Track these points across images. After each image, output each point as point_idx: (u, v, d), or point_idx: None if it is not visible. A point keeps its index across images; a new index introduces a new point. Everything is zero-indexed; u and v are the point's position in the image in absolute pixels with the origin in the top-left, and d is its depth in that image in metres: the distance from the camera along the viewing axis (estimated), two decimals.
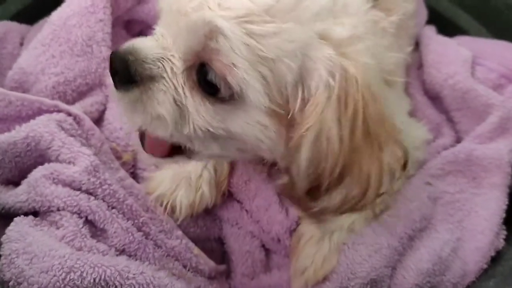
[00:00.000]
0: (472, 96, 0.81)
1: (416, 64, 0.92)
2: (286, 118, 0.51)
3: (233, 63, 0.47)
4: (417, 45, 0.93)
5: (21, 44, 0.88)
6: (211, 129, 0.51)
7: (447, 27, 0.99)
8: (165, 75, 0.51)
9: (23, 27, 0.91)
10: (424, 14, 0.98)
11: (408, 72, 0.87)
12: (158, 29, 0.53)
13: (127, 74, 0.51)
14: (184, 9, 0.49)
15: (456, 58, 0.85)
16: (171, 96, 0.51)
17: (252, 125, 0.51)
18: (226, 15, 0.47)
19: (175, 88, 0.51)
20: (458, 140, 0.82)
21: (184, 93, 0.51)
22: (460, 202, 0.73)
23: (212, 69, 0.49)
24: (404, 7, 0.79)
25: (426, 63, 0.88)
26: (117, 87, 0.53)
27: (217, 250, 0.72)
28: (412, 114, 0.82)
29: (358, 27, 0.55)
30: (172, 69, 0.51)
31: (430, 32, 0.95)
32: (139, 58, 0.51)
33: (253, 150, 0.55)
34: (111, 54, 0.53)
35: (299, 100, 0.50)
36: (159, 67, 0.51)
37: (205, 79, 0.49)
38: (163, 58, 0.51)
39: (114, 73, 0.52)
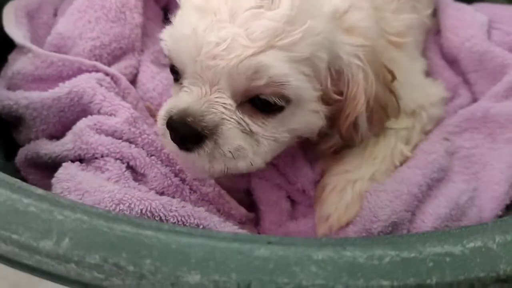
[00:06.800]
0: (489, 57, 0.84)
1: (434, 30, 0.95)
2: (323, 96, 0.60)
3: (284, 81, 0.53)
4: (435, 12, 0.96)
5: (55, 15, 0.93)
6: (279, 138, 0.58)
7: None
8: (224, 116, 0.55)
9: None
10: None
11: (426, 37, 0.91)
12: (187, 81, 0.57)
13: (196, 134, 0.54)
14: (212, 54, 0.53)
15: (473, 22, 0.88)
16: (239, 129, 0.56)
17: (307, 115, 0.59)
18: (262, 45, 0.52)
19: (238, 123, 0.56)
20: (475, 101, 0.85)
21: (247, 123, 0.56)
22: (476, 156, 0.76)
23: (264, 95, 0.55)
24: None
25: (443, 28, 0.91)
26: (189, 149, 0.56)
27: (246, 201, 0.75)
28: (429, 75, 0.86)
29: None
30: (226, 109, 0.55)
31: None
32: (196, 116, 0.54)
33: (304, 134, 0.64)
34: (168, 124, 0.56)
35: (329, 80, 0.59)
36: (216, 113, 0.54)
37: (260, 102, 0.55)
38: (213, 104, 0.55)
39: (182, 139, 0.56)
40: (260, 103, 0.56)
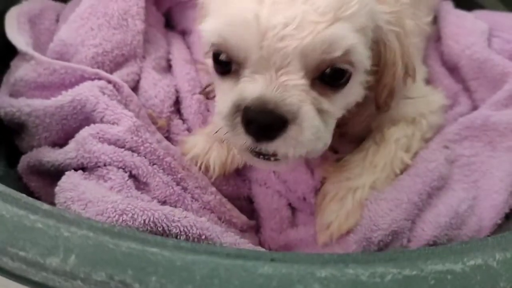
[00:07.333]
0: (489, 65, 0.85)
1: (434, 37, 0.95)
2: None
3: (354, 49, 0.54)
4: (435, 19, 0.97)
5: (57, 20, 0.93)
6: (339, 114, 0.60)
7: (464, 2, 1.02)
8: (302, 97, 0.53)
9: (57, 4, 0.96)
10: None
11: (427, 44, 0.91)
12: (248, 70, 0.54)
13: (280, 119, 0.52)
14: (281, 35, 0.51)
15: (474, 29, 0.89)
16: (315, 110, 0.55)
17: (358, 86, 0.60)
18: (330, 18, 0.52)
19: (313, 102, 0.55)
20: (475, 109, 0.86)
21: (319, 101, 0.55)
22: (476, 165, 0.77)
23: (338, 64, 0.55)
24: None
25: (444, 35, 0.91)
26: (272, 137, 0.53)
27: (247, 208, 0.76)
28: (429, 83, 0.86)
29: None
30: (301, 90, 0.53)
31: (448, 6, 0.98)
32: (277, 101, 0.52)
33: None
34: (245, 115, 0.52)
35: (371, 51, 0.59)
36: (294, 95, 0.52)
37: (329, 76, 0.55)
38: (286, 87, 0.53)
39: (266, 128, 0.52)
40: (329, 76, 0.55)
